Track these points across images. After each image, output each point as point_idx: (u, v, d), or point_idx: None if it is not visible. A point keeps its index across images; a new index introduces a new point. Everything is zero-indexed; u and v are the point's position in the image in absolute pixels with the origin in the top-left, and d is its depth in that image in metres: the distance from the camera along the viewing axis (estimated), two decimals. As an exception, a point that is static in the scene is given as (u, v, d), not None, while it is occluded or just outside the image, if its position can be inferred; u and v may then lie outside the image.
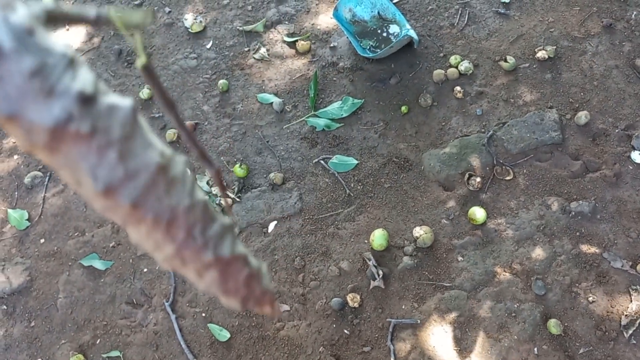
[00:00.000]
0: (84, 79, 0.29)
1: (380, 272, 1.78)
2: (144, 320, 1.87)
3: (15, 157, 2.25)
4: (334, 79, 2.19)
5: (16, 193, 2.16)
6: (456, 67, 2.10)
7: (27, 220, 2.09)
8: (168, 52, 2.37)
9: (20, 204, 2.13)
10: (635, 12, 2.10)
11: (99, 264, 1.97)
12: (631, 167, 1.85)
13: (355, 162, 2.01)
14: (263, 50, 2.30)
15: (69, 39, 2.49)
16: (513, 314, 1.69)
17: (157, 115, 2.22)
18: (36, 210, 2.11)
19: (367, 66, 2.19)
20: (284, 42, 2.31)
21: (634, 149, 1.86)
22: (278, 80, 2.23)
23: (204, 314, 1.85)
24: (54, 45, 0.29)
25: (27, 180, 2.16)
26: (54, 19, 0.30)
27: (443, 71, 2.10)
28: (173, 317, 1.84)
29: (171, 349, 1.81)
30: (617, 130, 1.91)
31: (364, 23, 2.27)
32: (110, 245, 2.00)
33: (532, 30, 2.14)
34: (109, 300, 1.92)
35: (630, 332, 1.61)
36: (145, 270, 1.95)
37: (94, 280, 1.96)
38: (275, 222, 1.96)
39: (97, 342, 1.86)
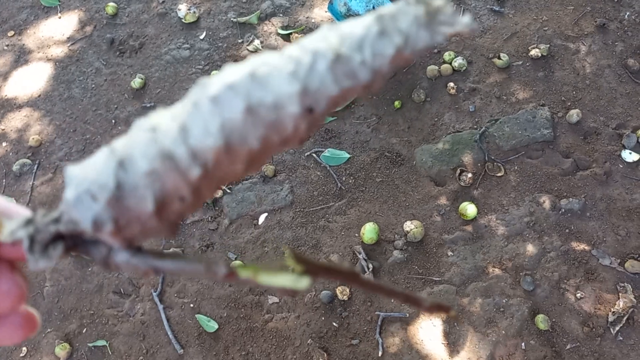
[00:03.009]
0: None
1: (370, 266, 1.78)
2: (131, 310, 1.86)
3: (4, 144, 2.22)
4: (328, 72, 2.18)
5: (4, 180, 2.13)
6: (450, 63, 2.10)
7: (14, 207, 2.07)
8: (161, 42, 2.35)
9: (7, 191, 2.11)
10: (628, 13, 2.11)
11: (86, 253, 1.95)
12: (621, 166, 1.86)
13: (348, 155, 2.00)
14: (257, 42, 2.29)
15: (61, 26, 2.46)
16: (501, 309, 1.69)
17: (148, 105, 2.21)
18: (24, 198, 2.09)
19: (361, 60, 2.18)
20: (278, 34, 2.30)
21: (624, 147, 1.87)
22: (271, 72, 2.22)
23: (192, 305, 1.84)
24: None
25: (15, 167, 2.13)
26: None
27: (437, 67, 2.10)
28: (161, 307, 1.83)
29: (158, 339, 1.80)
30: (608, 129, 1.92)
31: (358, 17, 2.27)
32: (99, 234, 1.98)
33: (526, 29, 2.15)
34: (96, 289, 1.90)
35: (617, 328, 1.62)
36: (133, 260, 1.93)
37: (81, 269, 1.94)
38: (265, 214, 1.95)
39: (84, 331, 1.85)
